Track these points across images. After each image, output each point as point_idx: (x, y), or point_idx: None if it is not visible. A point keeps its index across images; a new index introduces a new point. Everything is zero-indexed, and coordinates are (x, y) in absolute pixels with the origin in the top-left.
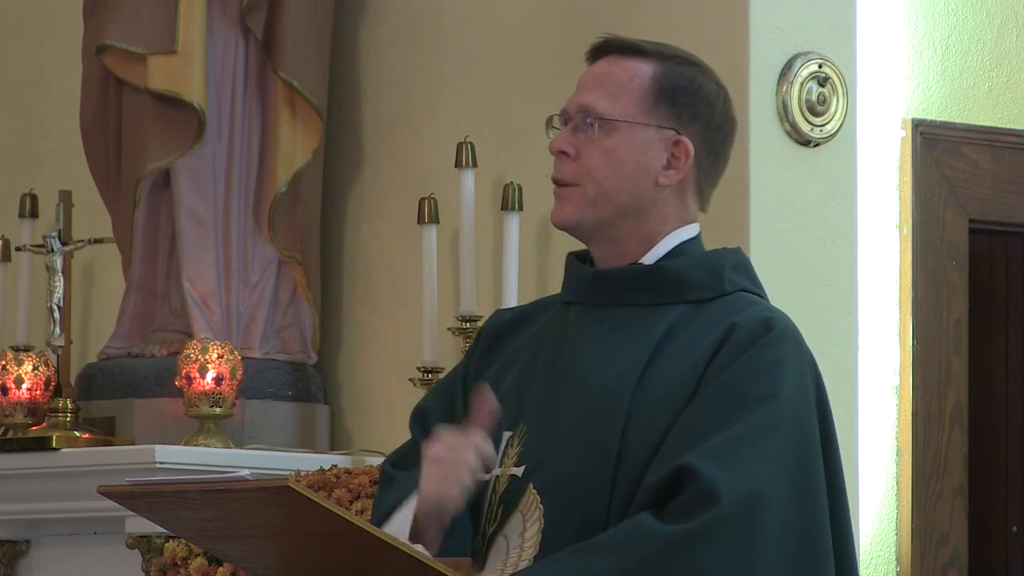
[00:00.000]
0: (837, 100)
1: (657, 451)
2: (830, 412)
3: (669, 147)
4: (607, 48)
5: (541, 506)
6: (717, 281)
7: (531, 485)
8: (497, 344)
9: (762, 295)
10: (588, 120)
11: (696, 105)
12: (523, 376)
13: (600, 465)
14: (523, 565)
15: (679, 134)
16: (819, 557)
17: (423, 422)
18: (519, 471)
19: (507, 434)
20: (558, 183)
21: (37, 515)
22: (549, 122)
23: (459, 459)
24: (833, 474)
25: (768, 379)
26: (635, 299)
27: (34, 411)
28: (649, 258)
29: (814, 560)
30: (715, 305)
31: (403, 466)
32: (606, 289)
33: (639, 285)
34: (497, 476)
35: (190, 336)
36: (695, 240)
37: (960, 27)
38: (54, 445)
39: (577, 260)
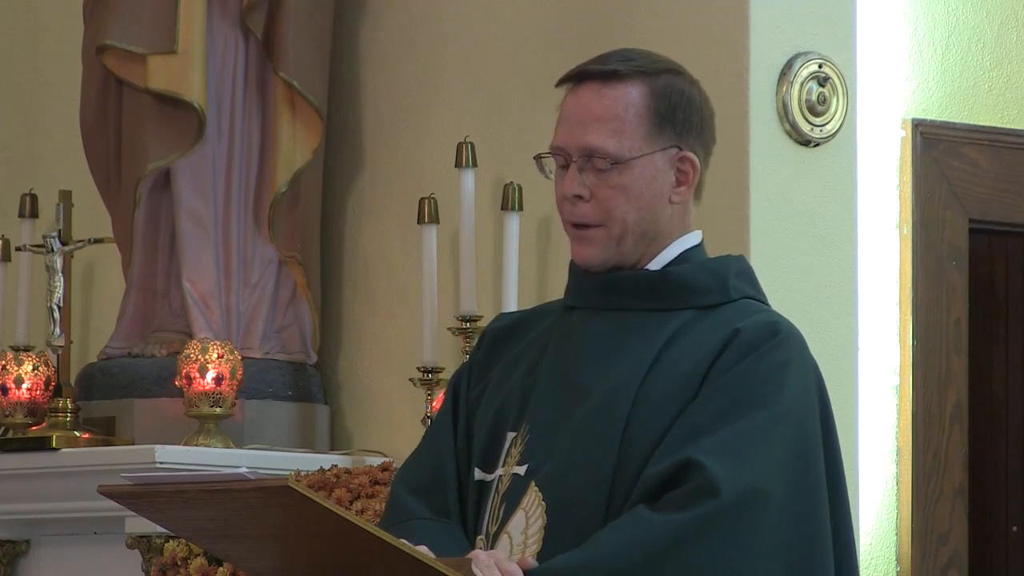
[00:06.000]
0: (837, 100)
1: (656, 448)
2: (832, 416)
3: (675, 164)
4: (586, 76)
5: (543, 503)
6: (722, 287)
7: (533, 483)
8: (499, 346)
9: (765, 303)
10: (603, 164)
11: (691, 116)
12: (527, 378)
13: (601, 464)
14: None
15: (681, 150)
16: (817, 557)
17: (436, 434)
18: (521, 470)
19: (511, 434)
20: (579, 226)
21: (37, 515)
22: (540, 159)
23: None
24: (834, 476)
25: (773, 381)
26: (642, 304)
27: (34, 411)
28: (655, 264)
29: (811, 560)
30: (721, 311)
31: (422, 493)
32: (613, 294)
33: (646, 291)
34: (500, 475)
35: (190, 336)
36: (699, 247)
37: (960, 27)
38: (54, 445)
39: (580, 267)
